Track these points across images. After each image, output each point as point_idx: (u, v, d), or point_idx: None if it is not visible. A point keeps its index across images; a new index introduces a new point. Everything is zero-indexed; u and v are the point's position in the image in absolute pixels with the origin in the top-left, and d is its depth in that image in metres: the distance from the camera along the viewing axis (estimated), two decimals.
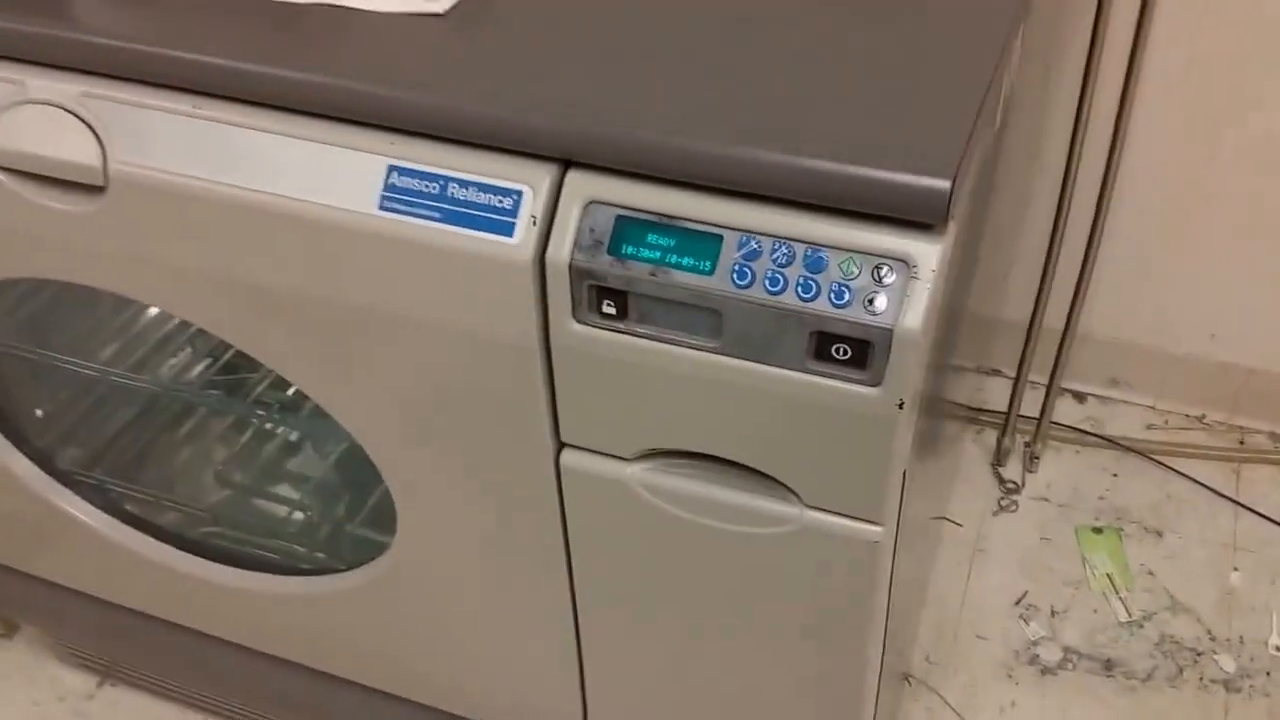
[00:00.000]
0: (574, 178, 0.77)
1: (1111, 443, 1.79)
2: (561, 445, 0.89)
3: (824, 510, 0.82)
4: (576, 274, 0.78)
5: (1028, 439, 1.79)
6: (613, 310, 0.79)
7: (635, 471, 0.87)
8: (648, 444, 0.85)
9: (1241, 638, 1.55)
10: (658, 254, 0.76)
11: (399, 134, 0.80)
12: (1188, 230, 1.66)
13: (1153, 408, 1.87)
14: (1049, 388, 1.72)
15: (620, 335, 0.79)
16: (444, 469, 0.94)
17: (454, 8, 0.84)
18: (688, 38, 0.82)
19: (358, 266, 0.83)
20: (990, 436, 1.82)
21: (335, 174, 0.81)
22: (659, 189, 0.76)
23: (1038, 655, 1.54)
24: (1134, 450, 1.78)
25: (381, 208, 0.80)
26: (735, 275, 0.74)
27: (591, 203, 0.77)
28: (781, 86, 0.77)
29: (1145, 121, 1.57)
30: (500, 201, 0.78)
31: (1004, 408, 1.77)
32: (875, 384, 0.74)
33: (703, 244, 0.75)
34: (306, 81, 0.80)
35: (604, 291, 0.78)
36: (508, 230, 0.78)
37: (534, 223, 0.77)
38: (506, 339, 0.82)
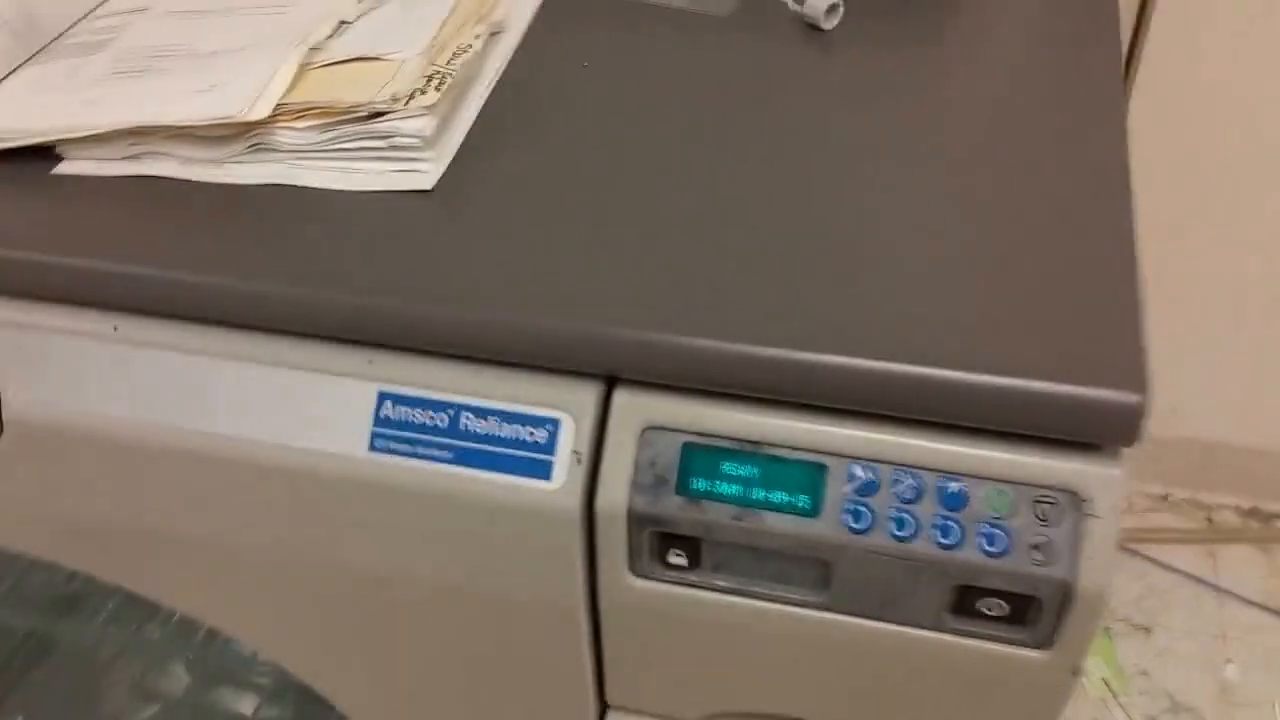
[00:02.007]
0: (624, 399, 0.58)
1: None
2: (605, 707, 0.68)
3: None
4: (636, 521, 0.57)
5: None
6: (683, 560, 0.59)
7: None
8: (718, 707, 0.65)
9: None
10: (739, 489, 0.56)
11: (389, 351, 0.59)
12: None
13: (1142, 438, 1.73)
14: None
15: (691, 590, 0.59)
16: None
17: (440, 183, 0.63)
18: (735, 209, 0.62)
19: (345, 523, 0.61)
20: None
21: (307, 407, 0.59)
22: (735, 408, 0.56)
23: None
24: None
25: (373, 448, 0.59)
26: (848, 516, 0.55)
27: (650, 429, 0.57)
28: (877, 273, 0.58)
29: None
30: (531, 435, 0.57)
31: None
32: (1041, 646, 0.55)
33: (800, 475, 0.56)
34: (261, 292, 0.58)
35: (671, 538, 0.58)
36: (543, 471, 0.57)
37: (578, 460, 0.57)
38: (542, 600, 0.61)
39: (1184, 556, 1.62)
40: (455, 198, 0.63)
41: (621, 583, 0.60)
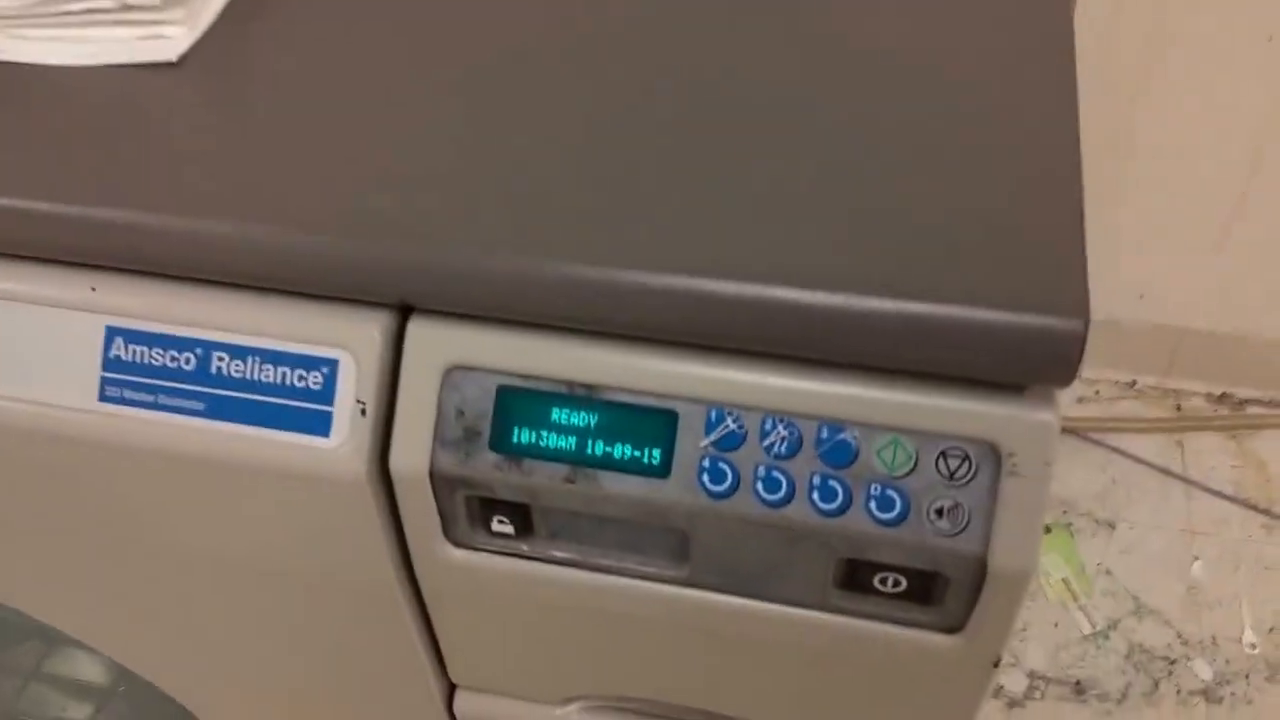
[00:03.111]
0: (421, 332, 0.44)
1: None
2: (453, 687, 0.57)
3: None
4: (443, 484, 0.45)
5: None
6: (508, 528, 0.46)
7: (568, 714, 0.55)
8: (577, 690, 0.54)
9: (1214, 638, 1.32)
10: (572, 443, 0.44)
11: (120, 275, 0.45)
12: (1108, 188, 1.40)
13: (1080, 377, 1.62)
14: None
15: (523, 560, 0.47)
16: None
17: (190, 54, 0.49)
18: (568, 88, 0.48)
19: (84, 487, 0.48)
20: None
21: (21, 346, 0.46)
22: (562, 342, 0.43)
23: (1002, 686, 1.29)
24: (1071, 430, 1.53)
25: (104, 397, 0.46)
26: (705, 477, 0.43)
27: (455, 369, 0.44)
28: (740, 172, 0.44)
29: None
30: (302, 380, 0.44)
31: None
32: (951, 630, 0.43)
33: (645, 425, 0.43)
34: None
35: (494, 502, 0.46)
36: (320, 425, 0.44)
37: (362, 412, 0.44)
38: (345, 572, 0.49)
39: (1151, 446, 1.52)
40: (210, 74, 0.48)
41: (437, 553, 0.47)
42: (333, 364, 0.44)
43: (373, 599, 0.50)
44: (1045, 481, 0.39)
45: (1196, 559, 1.41)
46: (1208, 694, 1.29)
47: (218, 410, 0.45)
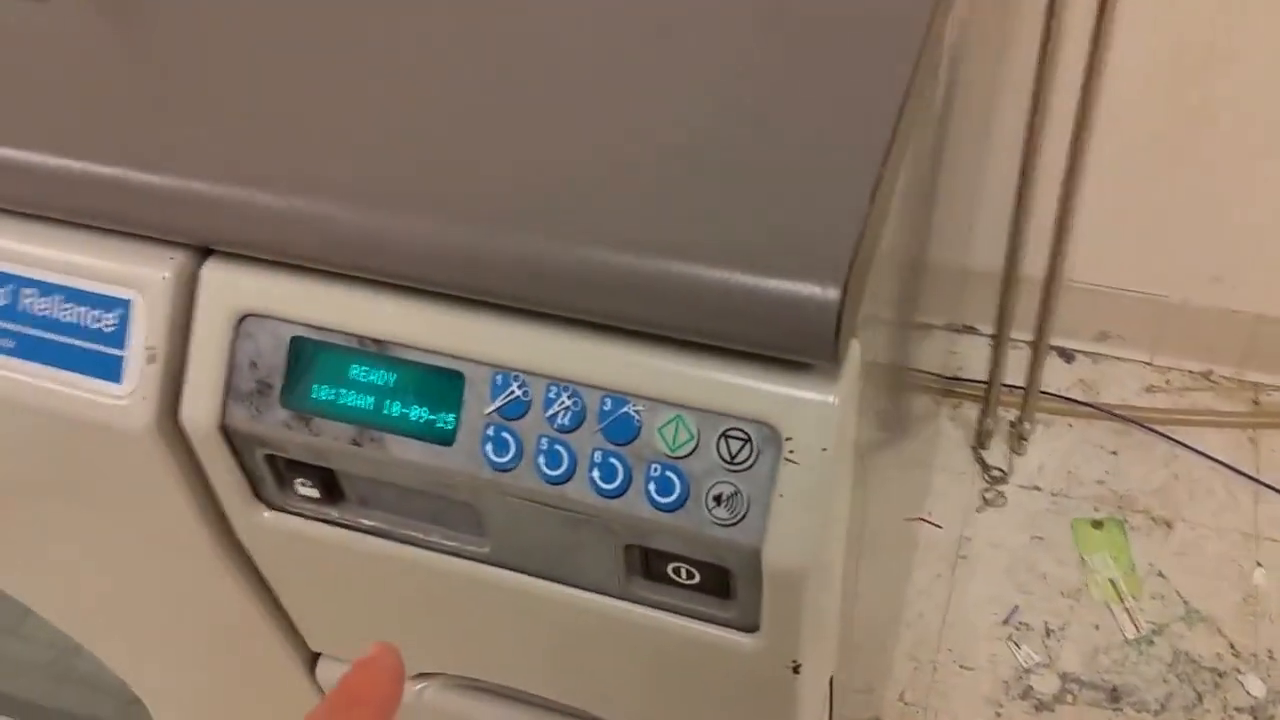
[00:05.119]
0: (215, 275, 0.42)
1: (1108, 413, 1.44)
2: (315, 655, 0.55)
3: None
4: (239, 440, 0.42)
5: (1013, 417, 1.44)
6: (313, 491, 0.44)
7: (425, 690, 0.53)
8: (424, 665, 0.51)
9: (1270, 652, 1.22)
10: (367, 402, 0.41)
11: None
12: (1182, 157, 1.29)
13: (1149, 364, 1.51)
14: (1035, 346, 1.36)
15: (332, 528, 0.44)
16: (190, 686, 0.60)
17: None
18: (370, 32, 0.45)
19: None
20: (969, 411, 1.47)
21: None
22: (355, 293, 0.40)
23: (1031, 687, 1.22)
24: (1135, 421, 1.43)
25: None
26: (489, 446, 0.39)
27: (249, 317, 0.42)
28: (549, 139, 0.40)
29: (1128, 30, 1.18)
30: (96, 320, 0.42)
31: (983, 375, 1.42)
32: (747, 628, 0.39)
33: (433, 387, 0.40)
34: None
35: (297, 463, 0.43)
36: (112, 371, 0.42)
37: (150, 358, 0.42)
38: (163, 529, 0.47)
39: (1220, 442, 1.41)
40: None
41: (250, 515, 0.45)
42: (125, 305, 0.42)
43: (196, 559, 0.48)
44: (827, 471, 0.35)
45: (1259, 566, 1.31)
46: (1256, 712, 1.19)
47: (28, 350, 0.43)
